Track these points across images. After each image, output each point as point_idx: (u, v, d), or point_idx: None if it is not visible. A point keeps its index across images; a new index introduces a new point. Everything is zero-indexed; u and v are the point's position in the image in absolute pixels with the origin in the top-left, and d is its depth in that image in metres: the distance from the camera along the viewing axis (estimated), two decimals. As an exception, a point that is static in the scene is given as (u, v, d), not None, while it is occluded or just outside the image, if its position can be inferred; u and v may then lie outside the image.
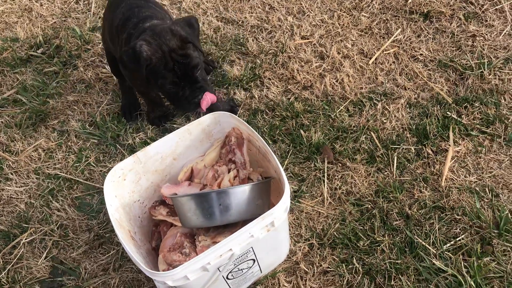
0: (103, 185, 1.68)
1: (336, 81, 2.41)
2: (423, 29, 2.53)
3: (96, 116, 2.48)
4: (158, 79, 1.94)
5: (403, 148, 2.15)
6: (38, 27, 2.91)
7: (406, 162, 2.11)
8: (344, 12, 2.68)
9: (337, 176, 2.11)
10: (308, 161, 2.17)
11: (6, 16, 3.00)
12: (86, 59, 2.72)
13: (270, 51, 2.57)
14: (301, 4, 2.75)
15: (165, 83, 1.95)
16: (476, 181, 2.01)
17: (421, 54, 2.44)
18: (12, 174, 2.32)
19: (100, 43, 2.77)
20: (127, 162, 1.73)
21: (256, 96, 2.42)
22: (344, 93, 2.36)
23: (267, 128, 2.29)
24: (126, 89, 2.47)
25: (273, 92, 2.42)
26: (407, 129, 2.21)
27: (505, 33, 2.46)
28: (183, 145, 1.82)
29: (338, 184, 2.08)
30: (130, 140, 2.37)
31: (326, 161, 2.14)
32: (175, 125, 2.38)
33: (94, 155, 2.36)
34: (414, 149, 2.14)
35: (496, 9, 2.56)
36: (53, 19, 2.95)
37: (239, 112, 2.36)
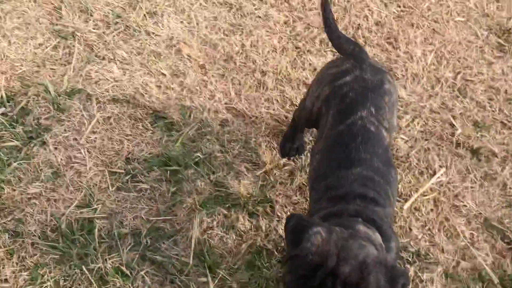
0: None
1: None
2: (470, 170, 2.13)
3: (61, 221, 1.98)
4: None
5: None
6: (2, 73, 2.34)
7: None
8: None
9: None
10: None
11: (-37, 50, 2.41)
12: (58, 134, 2.18)
13: (286, 167, 2.12)
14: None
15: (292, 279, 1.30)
16: None
17: (465, 206, 2.05)
18: None
19: (77, 112, 2.24)
20: None
21: (263, 228, 1.98)
22: (371, 246, 1.95)
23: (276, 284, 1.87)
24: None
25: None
26: (442, 311, 1.84)
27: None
28: None
29: None
30: (100, 263, 1.90)
31: None
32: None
33: (53, 276, 1.87)
34: None
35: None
36: (22, 65, 2.37)
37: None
